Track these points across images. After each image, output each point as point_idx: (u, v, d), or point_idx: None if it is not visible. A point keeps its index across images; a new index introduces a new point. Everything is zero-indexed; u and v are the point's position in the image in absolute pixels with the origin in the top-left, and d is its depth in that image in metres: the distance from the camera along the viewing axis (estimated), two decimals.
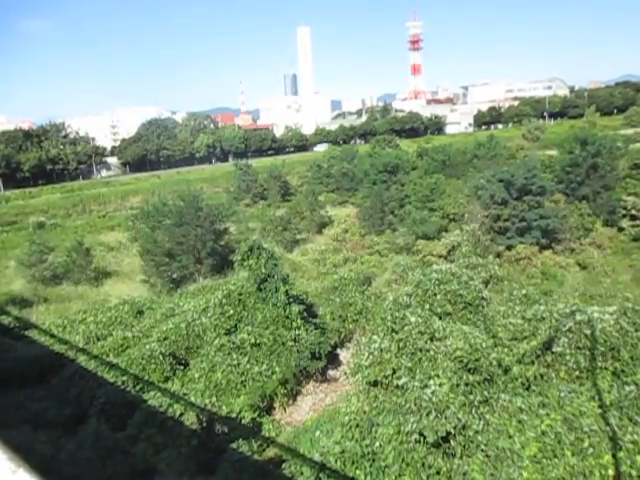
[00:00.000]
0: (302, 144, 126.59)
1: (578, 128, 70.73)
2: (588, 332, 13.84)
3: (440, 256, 30.32)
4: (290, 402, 17.80)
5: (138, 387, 17.17)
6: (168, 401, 15.93)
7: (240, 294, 19.71)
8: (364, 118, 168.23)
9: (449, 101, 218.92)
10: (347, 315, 21.47)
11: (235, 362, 17.45)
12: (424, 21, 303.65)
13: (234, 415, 15.83)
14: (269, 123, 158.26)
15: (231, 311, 19.41)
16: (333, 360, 20.05)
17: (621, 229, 35.64)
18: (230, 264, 23.95)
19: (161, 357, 18.27)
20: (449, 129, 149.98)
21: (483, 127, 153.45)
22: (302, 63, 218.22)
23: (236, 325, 19.22)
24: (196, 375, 17.45)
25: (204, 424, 15.30)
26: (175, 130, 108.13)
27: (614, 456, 10.21)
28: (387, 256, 35.03)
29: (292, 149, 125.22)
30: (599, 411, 11.70)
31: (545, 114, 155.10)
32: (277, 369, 17.27)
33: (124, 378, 17.39)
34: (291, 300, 18.73)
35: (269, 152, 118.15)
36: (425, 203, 40.81)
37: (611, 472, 9.95)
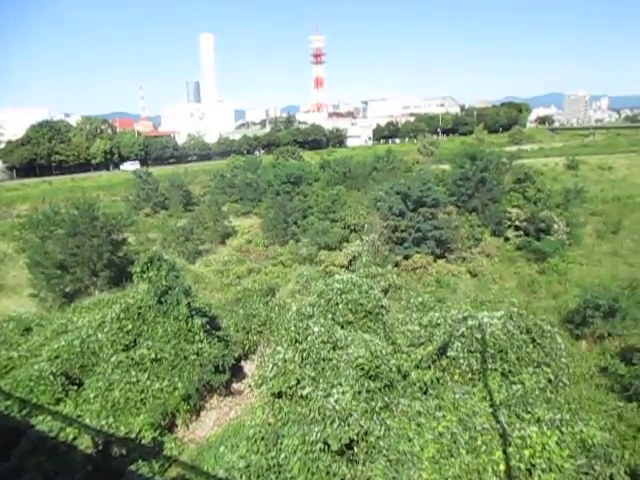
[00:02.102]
0: (205, 153, 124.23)
1: (468, 144, 75.55)
2: (479, 336, 14.76)
3: (342, 266, 30.97)
4: (193, 418, 17.33)
5: (25, 411, 15.85)
6: (59, 425, 14.82)
7: (139, 308, 18.90)
8: (268, 129, 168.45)
9: (350, 115, 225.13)
10: (251, 327, 21.31)
11: (134, 379, 16.68)
12: (327, 35, 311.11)
13: (133, 435, 15.12)
14: (171, 130, 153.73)
15: (130, 326, 18.53)
16: (237, 373, 19.81)
17: (507, 239, 38.38)
18: (129, 276, 22.91)
19: (52, 377, 16.97)
20: (350, 142, 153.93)
21: (382, 141, 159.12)
22: (205, 71, 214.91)
23: (135, 340, 18.38)
24: (91, 395, 16.44)
25: (100, 447, 14.47)
26: (69, 134, 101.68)
27: (504, 452, 10.89)
28: (291, 266, 35.24)
29: (195, 158, 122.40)
30: (490, 410, 12.47)
31: (438, 130, 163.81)
32: (179, 384, 16.74)
33: (8, 402, 16.00)
34: (193, 313, 18.29)
35: (170, 160, 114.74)
36: (327, 214, 41.58)
37: (502, 467, 10.61)
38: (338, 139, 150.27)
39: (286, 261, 36.37)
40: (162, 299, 18.27)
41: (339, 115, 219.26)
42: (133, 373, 16.84)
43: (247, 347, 20.89)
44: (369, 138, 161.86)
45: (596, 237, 40.39)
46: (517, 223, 38.60)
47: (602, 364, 19.36)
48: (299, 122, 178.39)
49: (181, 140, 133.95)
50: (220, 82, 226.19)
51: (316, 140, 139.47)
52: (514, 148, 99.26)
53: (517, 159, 49.97)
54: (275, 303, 24.23)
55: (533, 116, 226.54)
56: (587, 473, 10.11)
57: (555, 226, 36.69)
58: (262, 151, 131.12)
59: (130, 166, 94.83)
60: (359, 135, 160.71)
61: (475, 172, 40.10)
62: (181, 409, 16.67)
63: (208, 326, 18.75)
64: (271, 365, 13.80)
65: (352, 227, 38.40)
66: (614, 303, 21.11)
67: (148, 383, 16.67)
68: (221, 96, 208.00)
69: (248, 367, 20.44)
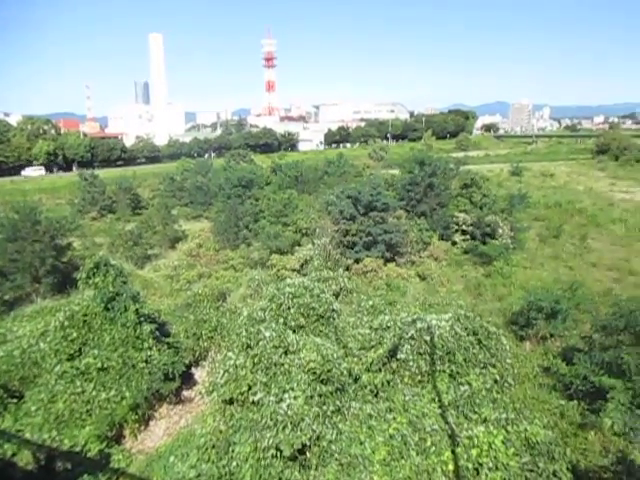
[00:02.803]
0: (154, 155, 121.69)
1: (417, 150, 77.21)
2: (428, 338, 15.04)
3: (293, 270, 30.94)
4: (142, 428, 16.87)
5: None
6: None
7: (85, 315, 18.26)
8: (219, 132, 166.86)
9: (302, 119, 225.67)
10: (202, 332, 20.96)
11: (79, 390, 16.09)
12: (279, 39, 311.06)
13: (78, 448, 14.57)
14: (118, 132, 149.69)
15: (75, 334, 17.86)
16: (188, 380, 19.44)
17: (454, 243, 39.31)
18: (74, 283, 22.10)
19: None
20: (302, 146, 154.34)
21: (333, 145, 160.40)
22: (154, 71, 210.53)
23: (80, 349, 17.74)
24: (32, 408, 15.71)
25: (42, 462, 13.87)
26: (8, 134, 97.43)
27: (453, 452, 11.12)
28: (242, 271, 34.91)
29: (143, 160, 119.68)
30: (439, 411, 12.72)
31: (388, 135, 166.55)
32: (127, 394, 16.27)
33: None
34: (142, 319, 17.84)
35: (118, 163, 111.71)
36: (279, 218, 41.51)
37: (451, 467, 10.83)
38: (290, 143, 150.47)
39: (237, 265, 36.02)
40: (109, 306, 17.75)
41: (291, 119, 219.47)
42: (78, 383, 16.24)
43: (198, 353, 20.54)
44: (321, 142, 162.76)
45: (539, 241, 41.93)
46: (464, 227, 39.58)
47: (545, 364, 20.06)
48: (251, 125, 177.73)
49: (129, 142, 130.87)
50: (170, 83, 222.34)
51: (268, 144, 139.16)
52: (461, 154, 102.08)
53: (464, 165, 51.39)
54: (226, 308, 23.95)
55: (479, 123, 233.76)
56: (532, 470, 10.45)
57: (500, 230, 37.82)
58: (213, 154, 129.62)
59: (33, 172, 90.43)
60: (311, 139, 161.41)
61: (424, 177, 40.93)
62: (129, 419, 16.20)
63: (157, 333, 18.33)
64: (222, 371, 13.63)
65: (304, 231, 38.45)
66: (556, 305, 21.93)
67: (94, 393, 16.12)
68: (171, 98, 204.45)
69: (199, 374, 20.10)
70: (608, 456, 13.47)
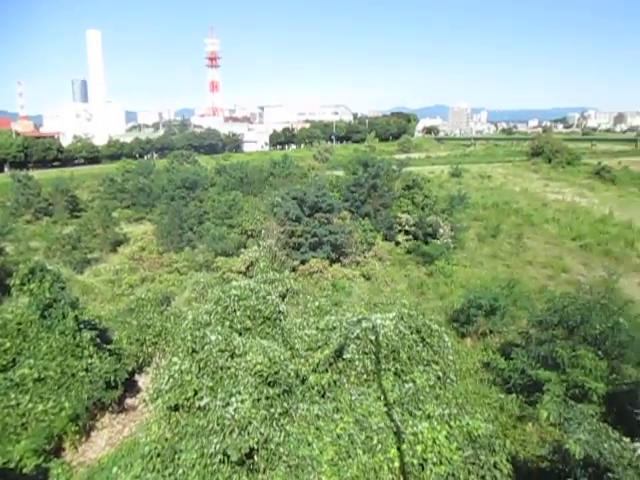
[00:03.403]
0: (93, 156, 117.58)
1: (361, 151, 78.25)
2: (373, 337, 15.25)
3: (239, 272, 30.69)
4: (83, 439, 16.29)
5: None
6: None
7: (19, 323, 17.44)
8: (161, 132, 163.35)
9: (246, 120, 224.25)
10: (145, 338, 20.46)
11: (13, 402, 15.34)
12: (222, 39, 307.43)
13: (13, 465, 13.91)
14: (54, 131, 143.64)
15: (8, 344, 17.01)
16: (131, 387, 18.93)
17: (397, 243, 40.05)
18: (6, 290, 21.05)
19: None
20: (246, 147, 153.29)
21: (278, 146, 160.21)
22: (93, 69, 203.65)
23: (14, 360, 16.94)
24: None
25: None
26: None
27: (399, 449, 11.33)
28: (186, 274, 34.32)
29: (82, 161, 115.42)
30: (385, 409, 12.92)
31: (333, 137, 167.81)
32: (66, 404, 15.66)
33: None
34: (81, 326, 17.24)
35: (54, 163, 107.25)
36: (224, 219, 41.04)
37: (397, 464, 11.03)
38: (234, 144, 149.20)
39: (182, 268, 35.38)
40: (45, 313, 17.04)
41: (235, 120, 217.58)
42: (12, 396, 15.48)
43: (141, 360, 20.03)
44: (266, 143, 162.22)
45: (478, 241, 43.36)
46: (407, 228, 40.38)
47: (485, 359, 20.77)
48: (194, 126, 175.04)
49: (66, 142, 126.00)
50: (109, 82, 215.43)
51: (212, 144, 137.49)
52: (403, 156, 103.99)
53: (406, 166, 52.35)
54: (170, 312, 23.46)
55: (420, 126, 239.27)
56: (474, 463, 10.80)
57: (441, 230, 38.84)
58: (155, 155, 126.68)
59: None
60: (256, 140, 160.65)
61: (367, 179, 41.51)
62: (69, 431, 15.60)
63: (98, 340, 17.76)
64: (167, 377, 13.33)
65: (249, 233, 38.18)
66: (494, 302, 22.75)
67: (30, 405, 15.42)
68: (110, 96, 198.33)
69: (143, 381, 19.61)
70: (545, 446, 14.10)
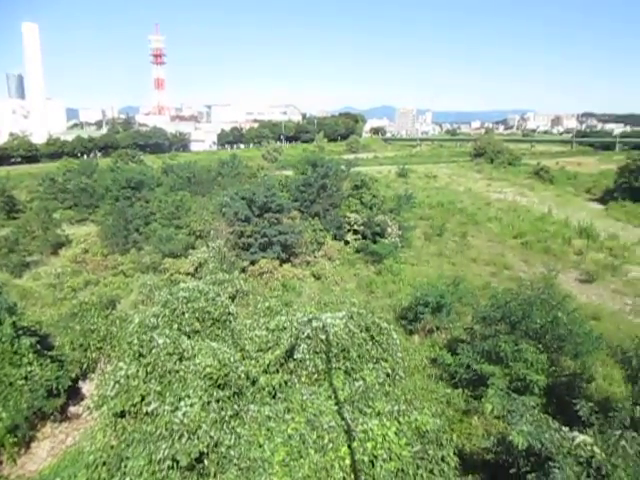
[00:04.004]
0: (32, 155, 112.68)
1: (310, 151, 78.50)
2: (323, 337, 15.30)
3: (188, 274, 30.20)
4: (22, 451, 15.61)
5: None
6: None
7: None
8: (105, 130, 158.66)
9: (194, 119, 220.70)
10: (89, 343, 19.79)
11: None
12: (167, 36, 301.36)
13: None
14: None
15: None
16: (75, 395, 18.30)
17: (347, 242, 40.42)
18: None
19: None
20: (194, 146, 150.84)
21: (227, 146, 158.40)
22: (29, 64, 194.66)
23: None
24: None
25: None
26: None
27: (349, 447, 11.40)
28: (133, 276, 33.49)
29: (19, 160, 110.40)
30: (336, 408, 12.98)
31: (282, 137, 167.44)
32: (4, 415, 14.96)
33: None
34: (20, 332, 16.53)
35: None
36: (171, 220, 40.31)
37: (348, 462, 11.09)
38: (181, 143, 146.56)
39: (128, 271, 34.49)
40: None
41: (182, 118, 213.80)
42: None
43: (85, 366, 19.36)
44: (214, 143, 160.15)
45: (424, 239, 44.32)
46: (355, 227, 40.82)
47: (432, 355, 21.26)
48: (139, 124, 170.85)
49: (1, 140, 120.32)
50: (48, 77, 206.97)
51: (158, 144, 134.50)
52: (351, 156, 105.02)
53: (354, 167, 52.92)
54: (116, 316, 22.78)
55: (368, 127, 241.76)
56: (422, 458, 11.01)
57: (389, 229, 39.48)
58: (99, 154, 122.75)
59: None
60: (203, 140, 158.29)
61: (316, 178, 41.69)
62: (6, 443, 14.91)
63: (39, 346, 17.08)
64: (112, 383, 12.95)
65: (198, 233, 37.64)
66: (441, 299, 23.31)
67: None
68: (50, 93, 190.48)
69: (87, 388, 18.97)
70: (490, 438, 14.56)
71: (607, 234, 46.28)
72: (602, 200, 68.04)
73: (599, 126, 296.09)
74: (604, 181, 77.36)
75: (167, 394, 12.52)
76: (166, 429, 11.37)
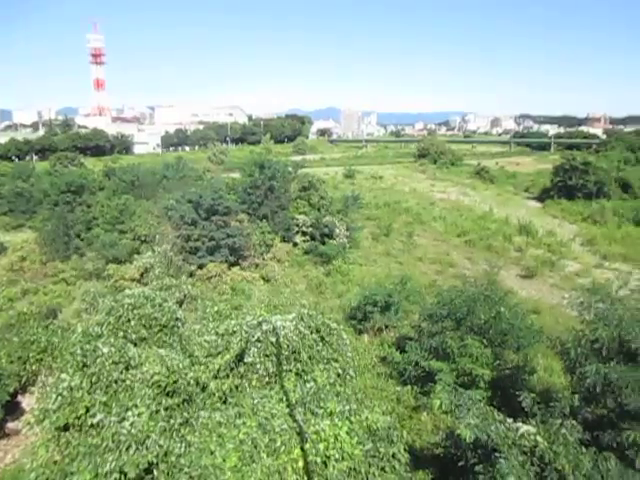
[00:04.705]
0: None
1: (256, 153, 77.78)
2: (274, 339, 15.25)
3: (133, 280, 29.45)
4: None
5: None
6: None
7: None
8: (41, 132, 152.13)
9: (136, 120, 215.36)
10: (29, 355, 18.95)
11: None
12: (107, 35, 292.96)
13: None
14: None
15: None
16: (14, 410, 17.49)
17: (295, 244, 40.47)
18: None
19: None
20: (137, 149, 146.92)
21: (171, 148, 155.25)
22: None
23: None
24: None
25: None
26: None
27: (302, 449, 11.40)
28: (75, 284, 32.36)
29: None
30: (287, 410, 12.96)
31: (228, 139, 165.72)
32: None
33: None
34: None
35: None
36: (115, 225, 39.21)
37: (301, 464, 11.08)
38: (124, 145, 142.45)
39: (69, 278, 33.27)
40: None
41: (124, 120, 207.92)
42: None
43: (25, 379, 18.52)
44: (158, 145, 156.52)
45: (372, 239, 44.95)
46: (304, 229, 40.93)
47: (382, 354, 21.57)
48: (79, 126, 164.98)
49: None
50: None
51: (99, 146, 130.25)
52: (299, 158, 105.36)
53: (302, 168, 53.11)
54: (57, 326, 21.93)
55: (314, 128, 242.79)
56: (374, 456, 11.15)
57: (337, 230, 39.80)
58: (35, 157, 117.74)
59: None
60: (147, 142, 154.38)
61: (264, 180, 41.53)
62: None
63: None
64: (54, 395, 12.44)
65: (143, 238, 36.77)
66: (389, 298, 23.69)
67: None
68: None
69: (27, 402, 18.18)
70: (439, 433, 14.93)
71: (545, 231, 48.33)
72: (540, 198, 70.99)
73: (535, 127, 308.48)
74: (541, 180, 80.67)
75: (113, 404, 12.16)
76: (113, 441, 11.04)
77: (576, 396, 11.30)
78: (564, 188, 67.86)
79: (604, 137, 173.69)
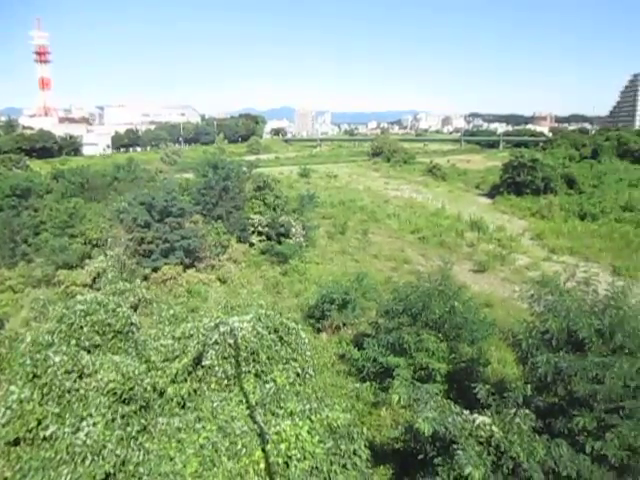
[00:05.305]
0: None
1: (210, 153, 77.03)
2: (231, 341, 15.12)
3: (85, 285, 28.66)
4: None
5: None
6: None
7: None
8: None
9: (85, 121, 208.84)
10: None
11: None
12: (52, 32, 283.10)
13: None
14: None
15: None
16: None
17: (252, 244, 40.25)
18: None
19: None
20: (86, 150, 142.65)
21: (122, 149, 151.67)
22: None
23: None
24: None
25: None
26: None
27: (263, 450, 11.37)
28: (23, 292, 31.21)
29: None
30: (247, 412, 12.89)
31: (180, 139, 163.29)
32: None
33: None
34: None
35: None
36: (64, 229, 37.98)
37: (262, 466, 11.05)
38: (72, 147, 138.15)
39: (16, 286, 32.04)
40: None
41: (72, 121, 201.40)
42: None
43: None
44: (108, 146, 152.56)
45: (328, 238, 45.18)
46: (260, 229, 40.76)
47: (340, 352, 21.70)
48: (23, 127, 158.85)
49: None
50: None
51: (46, 148, 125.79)
52: (253, 157, 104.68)
53: (256, 168, 52.84)
54: (5, 336, 21.01)
55: (269, 128, 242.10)
56: (335, 453, 11.22)
57: (293, 230, 39.78)
58: None
59: None
60: (96, 143, 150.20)
61: (218, 181, 41.12)
62: None
63: None
64: (3, 409, 11.97)
65: (94, 242, 35.77)
66: (346, 296, 23.87)
67: None
68: None
69: None
70: (398, 428, 15.13)
71: (495, 226, 49.73)
72: (490, 195, 73.01)
73: (484, 125, 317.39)
74: (491, 177, 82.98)
75: (67, 415, 11.81)
76: (67, 453, 10.72)
77: (528, 386, 11.68)
78: (513, 184, 69.96)
79: (550, 135, 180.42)
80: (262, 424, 12.15)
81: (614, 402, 10.91)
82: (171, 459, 11.39)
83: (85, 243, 35.71)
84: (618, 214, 52.54)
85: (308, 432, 11.51)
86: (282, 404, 13.00)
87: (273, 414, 12.72)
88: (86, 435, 10.90)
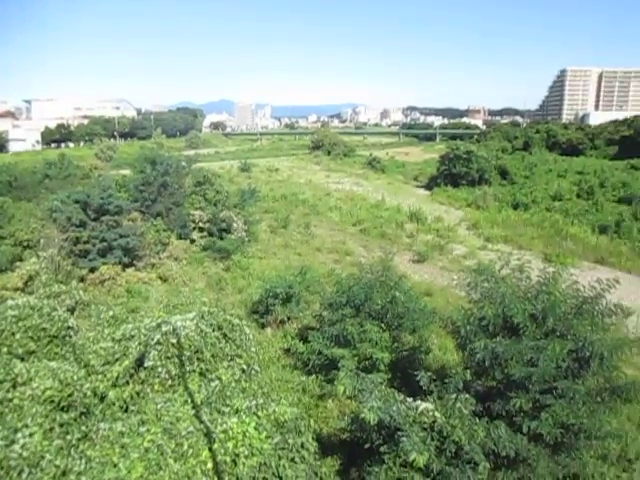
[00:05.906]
0: None
1: (148, 148, 75.19)
2: (174, 341, 14.84)
3: (16, 289, 27.32)
4: None
5: None
6: None
7: None
8: None
9: (11, 115, 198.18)
10: None
11: None
12: None
13: None
14: None
15: None
16: None
17: (193, 241, 39.52)
18: None
19: None
20: (13, 146, 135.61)
21: (53, 145, 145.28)
22: None
23: None
24: None
25: None
26: None
27: (210, 449, 11.26)
28: None
29: None
30: (193, 412, 12.72)
31: (116, 134, 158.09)
32: None
33: None
34: None
35: None
36: None
37: (210, 465, 10.93)
38: None
39: None
40: None
41: None
42: None
43: None
44: (37, 142, 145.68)
45: (270, 232, 45.04)
46: (201, 225, 40.09)
47: (285, 346, 21.73)
48: None
49: None
50: None
51: None
52: (192, 152, 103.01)
53: (196, 163, 51.92)
54: None
55: (208, 122, 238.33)
56: (283, 448, 11.26)
57: (235, 225, 39.38)
58: None
59: None
60: (24, 138, 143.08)
61: (156, 177, 40.13)
62: None
63: None
64: None
65: (25, 243, 34.13)
66: (289, 290, 23.90)
67: None
68: None
69: None
70: (345, 419, 15.34)
71: (434, 217, 51.05)
72: (428, 186, 74.87)
73: (422, 119, 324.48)
74: (428, 169, 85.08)
75: (0, 427, 11.29)
76: (1, 467, 10.25)
77: (468, 371, 12.13)
78: (449, 176, 72.00)
79: (484, 128, 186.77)
80: (208, 423, 12.03)
81: (548, 383, 11.51)
82: (115, 465, 11.11)
83: (15, 245, 34.01)
84: (548, 203, 55.21)
85: (255, 428, 11.49)
86: (228, 402, 12.91)
87: (219, 412, 12.61)
88: (22, 447, 10.44)
